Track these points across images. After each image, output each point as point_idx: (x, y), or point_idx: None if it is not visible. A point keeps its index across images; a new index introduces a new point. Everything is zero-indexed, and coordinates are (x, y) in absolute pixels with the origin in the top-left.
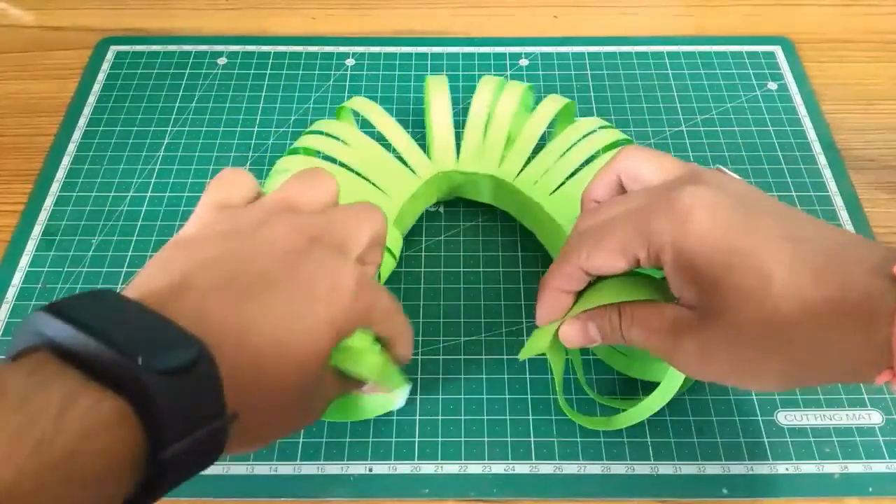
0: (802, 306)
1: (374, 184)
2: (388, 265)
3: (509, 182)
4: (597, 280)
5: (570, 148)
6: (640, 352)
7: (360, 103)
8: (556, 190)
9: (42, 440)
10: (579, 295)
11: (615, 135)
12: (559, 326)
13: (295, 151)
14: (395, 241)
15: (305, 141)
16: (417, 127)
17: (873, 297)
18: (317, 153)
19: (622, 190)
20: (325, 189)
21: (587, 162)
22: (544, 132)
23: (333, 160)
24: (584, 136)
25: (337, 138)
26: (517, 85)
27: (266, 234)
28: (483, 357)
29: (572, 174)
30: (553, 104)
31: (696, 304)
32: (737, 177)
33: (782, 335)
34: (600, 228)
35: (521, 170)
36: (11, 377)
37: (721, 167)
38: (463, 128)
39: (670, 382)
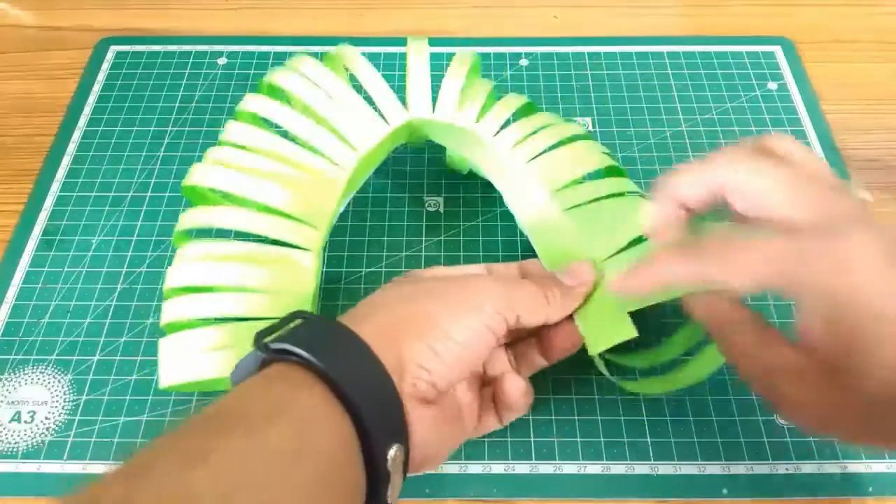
0: None
1: (338, 132)
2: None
3: (484, 140)
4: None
5: (555, 123)
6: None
7: (345, 50)
8: (532, 159)
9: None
10: None
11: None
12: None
13: (263, 87)
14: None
15: (280, 76)
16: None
17: None
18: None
19: (716, 200)
20: None
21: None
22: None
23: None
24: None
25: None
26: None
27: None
28: None
29: (552, 147)
30: (517, 99)
31: (820, 351)
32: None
33: None
34: (746, 245)
35: (498, 132)
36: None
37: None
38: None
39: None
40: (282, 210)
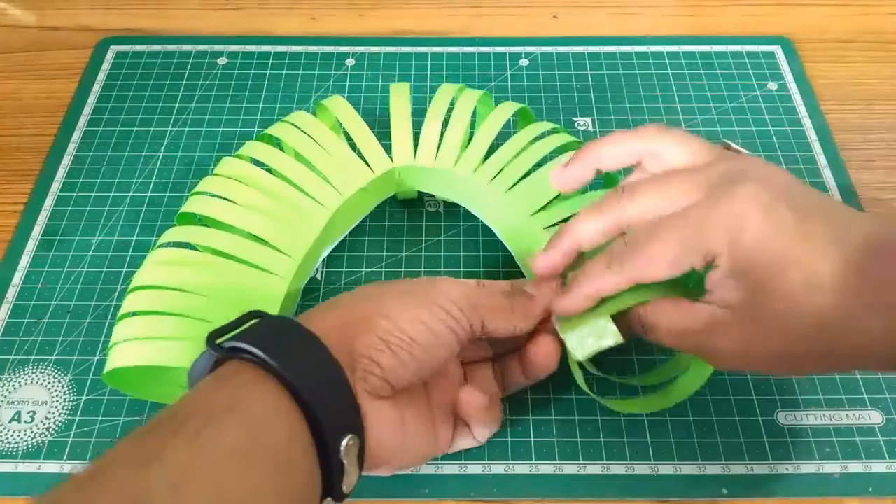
0: (848, 307)
1: (324, 176)
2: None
3: (465, 178)
4: None
5: (526, 147)
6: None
7: (335, 102)
8: (512, 186)
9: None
10: None
11: (566, 137)
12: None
13: (263, 137)
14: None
15: (276, 129)
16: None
17: None
18: (278, 141)
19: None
20: None
21: (540, 164)
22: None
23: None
24: (538, 138)
25: (305, 132)
26: (473, 92)
27: None
28: None
29: (528, 173)
30: (507, 108)
31: (736, 301)
32: (747, 153)
33: (829, 333)
34: (656, 241)
35: (478, 166)
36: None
37: (727, 142)
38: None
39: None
40: (263, 238)
